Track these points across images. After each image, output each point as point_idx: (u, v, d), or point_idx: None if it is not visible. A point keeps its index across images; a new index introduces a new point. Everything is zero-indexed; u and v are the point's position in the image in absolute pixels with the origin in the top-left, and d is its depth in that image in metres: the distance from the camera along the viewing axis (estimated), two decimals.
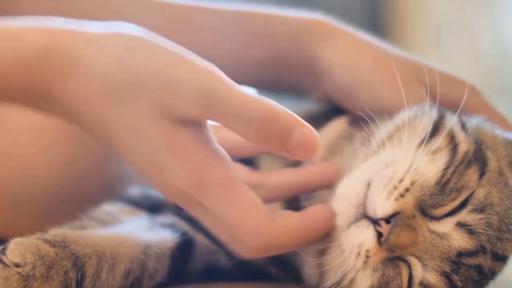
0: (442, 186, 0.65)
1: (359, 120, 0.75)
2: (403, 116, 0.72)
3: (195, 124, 0.59)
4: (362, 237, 0.64)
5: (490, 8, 2.35)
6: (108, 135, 0.60)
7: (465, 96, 0.73)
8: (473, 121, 0.72)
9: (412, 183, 0.65)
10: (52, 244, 0.63)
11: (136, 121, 0.58)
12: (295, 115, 0.59)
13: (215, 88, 0.58)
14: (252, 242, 0.60)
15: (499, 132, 0.73)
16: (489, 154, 0.69)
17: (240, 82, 0.87)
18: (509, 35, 2.34)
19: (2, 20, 0.60)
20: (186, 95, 0.57)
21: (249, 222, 0.59)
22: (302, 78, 0.82)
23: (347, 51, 0.80)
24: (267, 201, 0.64)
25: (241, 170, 0.67)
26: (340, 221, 0.66)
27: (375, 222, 0.64)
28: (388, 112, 0.74)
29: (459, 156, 0.67)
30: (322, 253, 0.68)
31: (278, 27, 0.83)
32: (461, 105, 0.72)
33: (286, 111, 0.59)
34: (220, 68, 0.80)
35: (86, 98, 0.59)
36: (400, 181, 0.64)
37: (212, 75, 0.58)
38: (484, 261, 0.65)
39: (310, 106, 0.86)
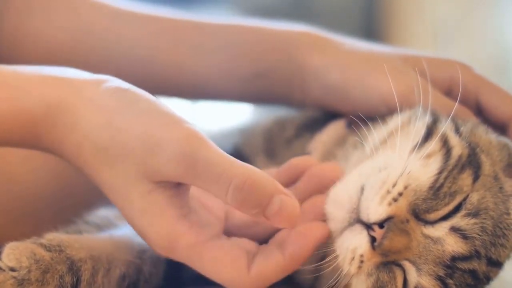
0: (436, 190, 0.65)
1: (354, 124, 0.75)
2: (396, 120, 0.72)
3: (175, 188, 0.61)
4: (356, 242, 0.64)
5: (487, 10, 2.35)
6: (100, 188, 0.63)
7: (460, 75, 0.75)
8: (467, 125, 0.72)
9: (406, 188, 0.65)
10: (47, 248, 0.64)
11: (119, 182, 0.61)
12: (276, 182, 0.61)
13: (196, 151, 0.59)
14: None
15: (494, 136, 0.73)
16: (484, 158, 0.69)
17: (228, 96, 0.87)
18: (507, 38, 2.34)
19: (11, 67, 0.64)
20: (168, 158, 0.59)
21: (226, 279, 0.62)
22: (291, 91, 0.82)
23: (334, 54, 0.80)
24: (263, 238, 0.66)
25: (235, 213, 0.68)
26: (334, 226, 0.66)
27: (368, 226, 0.64)
28: (385, 102, 0.75)
29: (452, 161, 0.67)
30: (321, 258, 0.68)
31: (264, 41, 0.83)
32: (460, 88, 0.74)
33: (267, 178, 0.60)
34: (207, 83, 0.82)
35: (82, 156, 0.62)
36: (393, 186, 0.64)
37: (194, 137, 0.60)
38: (479, 266, 0.65)
39: (308, 111, 0.86)
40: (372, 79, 0.77)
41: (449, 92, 0.78)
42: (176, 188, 0.62)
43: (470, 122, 0.73)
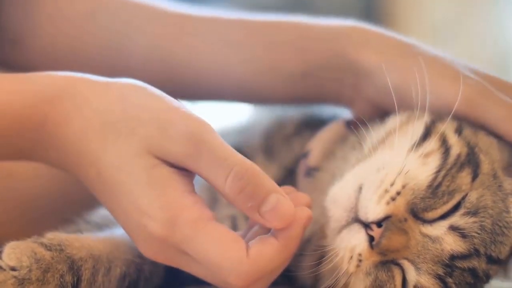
0: (434, 189, 0.65)
1: (353, 124, 0.75)
2: (395, 120, 0.71)
3: (178, 168, 0.61)
4: (354, 241, 0.65)
5: (487, 10, 2.35)
6: (98, 176, 0.63)
7: None
8: (468, 125, 0.72)
9: (404, 187, 0.65)
10: (48, 247, 0.64)
11: (122, 155, 0.61)
12: (276, 184, 0.61)
13: (203, 134, 0.61)
14: (235, 282, 0.60)
15: (496, 138, 0.72)
16: (482, 157, 0.69)
17: (275, 97, 0.82)
18: (507, 38, 2.35)
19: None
20: (176, 136, 0.61)
21: (226, 261, 0.59)
22: (341, 89, 0.78)
23: (390, 54, 0.76)
24: None
25: None
26: (332, 225, 0.66)
27: (366, 225, 0.64)
28: (449, 106, 0.71)
29: (451, 159, 0.67)
30: (319, 257, 0.68)
31: (312, 38, 0.79)
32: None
33: (268, 178, 0.61)
34: (253, 84, 0.79)
35: (86, 135, 0.63)
36: (392, 185, 0.65)
37: (202, 123, 0.62)
38: (478, 264, 0.66)
39: (308, 110, 0.86)
40: (434, 84, 0.72)
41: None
42: (181, 170, 0.62)
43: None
